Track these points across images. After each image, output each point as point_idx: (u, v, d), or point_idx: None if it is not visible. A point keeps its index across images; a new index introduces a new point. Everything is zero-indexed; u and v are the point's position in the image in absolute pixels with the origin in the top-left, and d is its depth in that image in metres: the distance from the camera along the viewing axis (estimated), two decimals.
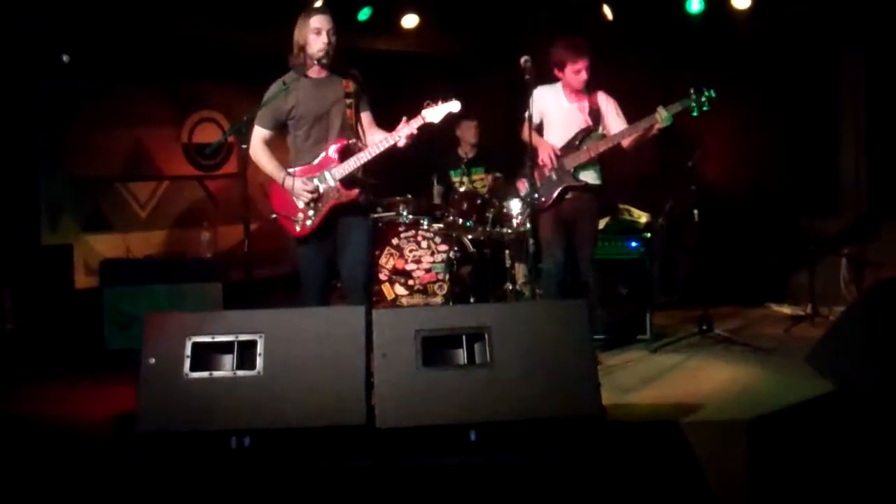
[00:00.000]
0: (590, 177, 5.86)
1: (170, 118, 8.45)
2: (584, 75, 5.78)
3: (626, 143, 5.77)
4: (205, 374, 4.13)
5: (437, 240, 7.33)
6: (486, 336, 4.16)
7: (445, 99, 4.93)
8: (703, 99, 5.56)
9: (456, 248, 7.24)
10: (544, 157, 5.79)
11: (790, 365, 5.61)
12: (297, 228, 5.04)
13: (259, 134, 5.08)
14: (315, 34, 4.89)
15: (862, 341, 4.90)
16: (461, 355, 4.19)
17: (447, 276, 7.23)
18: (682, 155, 6.63)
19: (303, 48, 4.93)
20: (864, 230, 7.59)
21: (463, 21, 8.74)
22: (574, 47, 5.78)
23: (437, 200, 7.85)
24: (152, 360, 4.16)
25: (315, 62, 4.92)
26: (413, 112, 4.95)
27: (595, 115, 5.86)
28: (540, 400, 4.04)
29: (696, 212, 6.45)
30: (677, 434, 4.23)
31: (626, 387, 5.29)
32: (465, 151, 7.93)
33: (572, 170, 5.80)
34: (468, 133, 7.88)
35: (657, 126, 5.63)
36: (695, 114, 5.62)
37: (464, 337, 4.19)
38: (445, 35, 9.03)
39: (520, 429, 4.01)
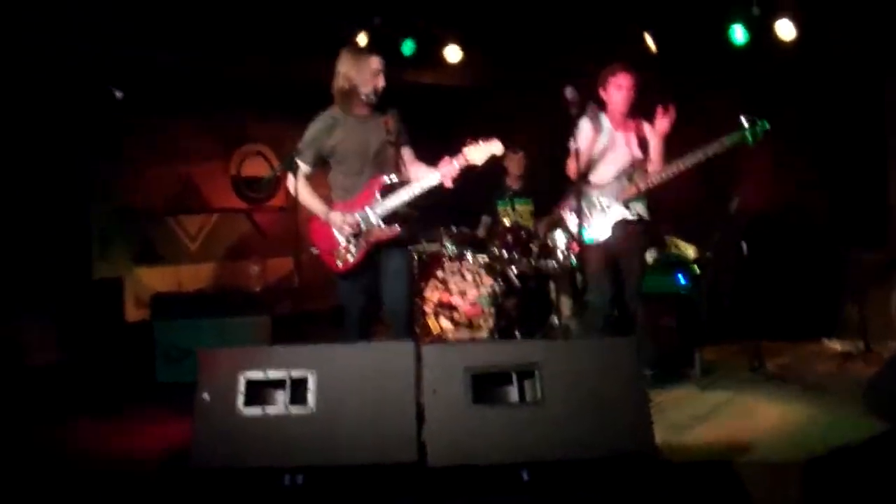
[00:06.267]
0: (639, 209, 5.83)
1: (218, 152, 8.60)
2: (626, 92, 5.77)
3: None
4: (258, 410, 4.14)
5: (482, 272, 7.33)
6: (537, 373, 4.14)
7: (487, 138, 4.92)
8: (757, 129, 5.54)
9: (501, 281, 7.24)
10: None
11: (843, 403, 5.51)
12: (339, 264, 5.09)
13: (301, 170, 5.16)
14: (373, 75, 4.96)
15: None
16: (512, 392, 4.16)
17: (492, 310, 7.23)
18: (726, 185, 6.60)
19: (354, 87, 4.98)
20: None
21: (505, 53, 8.77)
22: (618, 64, 5.83)
23: (483, 232, 7.85)
24: (206, 396, 4.18)
25: (364, 100, 4.97)
26: (455, 147, 4.96)
27: (643, 146, 5.83)
28: (592, 438, 4.01)
29: (744, 245, 6.41)
30: (732, 475, 4.18)
31: (677, 424, 5.21)
32: (512, 182, 7.93)
33: (623, 203, 5.78)
34: (514, 165, 7.87)
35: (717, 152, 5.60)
36: (749, 144, 5.59)
37: (514, 374, 4.18)
38: (489, 67, 9.07)
39: (572, 468, 3.98)
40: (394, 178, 5.02)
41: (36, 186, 7.28)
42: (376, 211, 4.98)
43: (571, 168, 5.73)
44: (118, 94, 7.45)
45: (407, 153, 5.15)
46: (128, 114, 7.82)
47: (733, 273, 7.23)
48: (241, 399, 4.16)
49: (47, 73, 7.21)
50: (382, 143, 5.03)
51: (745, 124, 5.55)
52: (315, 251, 5.17)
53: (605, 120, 5.88)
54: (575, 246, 6.36)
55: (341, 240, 5.03)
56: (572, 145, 5.54)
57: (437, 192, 5.08)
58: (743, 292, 7.13)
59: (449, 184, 4.91)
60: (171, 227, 8.28)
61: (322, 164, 5.19)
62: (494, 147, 4.91)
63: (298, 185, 5.15)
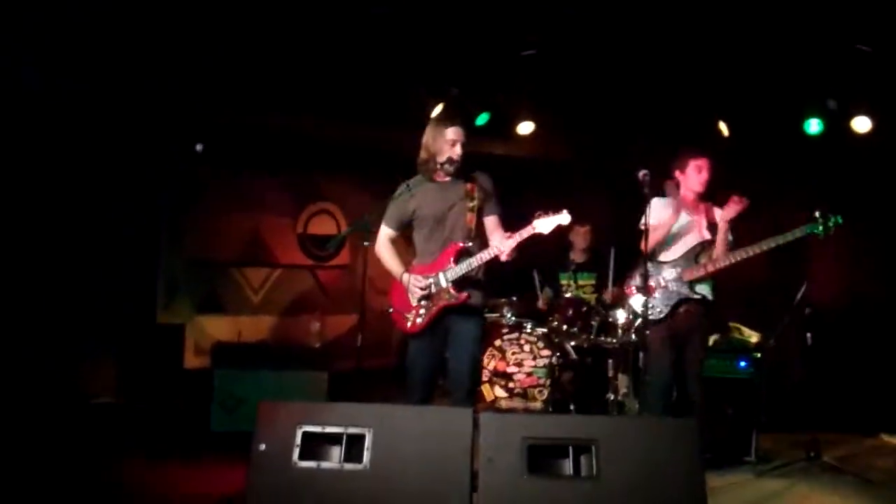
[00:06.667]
0: (705, 291, 5.80)
1: (287, 208, 8.77)
2: (706, 174, 5.82)
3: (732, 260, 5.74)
4: (313, 463, 4.15)
5: (541, 344, 7.33)
6: (594, 448, 4.11)
7: (556, 210, 4.91)
8: (830, 224, 5.52)
9: (558, 354, 7.23)
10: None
11: None
12: (409, 325, 5.13)
13: (384, 232, 5.28)
14: (450, 145, 5.04)
15: None
16: (567, 466, 4.12)
17: (548, 382, 7.21)
18: (793, 273, 6.56)
19: (433, 155, 5.07)
20: None
21: (577, 129, 8.89)
22: (697, 148, 5.91)
23: (543, 303, 7.86)
24: (263, 447, 4.21)
25: (441, 168, 5.06)
26: (525, 217, 4.97)
27: (712, 229, 5.84)
28: None
29: (808, 335, 6.35)
30: None
31: None
32: (576, 256, 7.96)
33: (689, 283, 5.77)
34: (579, 238, 7.90)
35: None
36: (820, 237, 5.56)
37: (571, 447, 4.15)
38: (559, 142, 9.18)
39: None
40: (469, 243, 5.06)
41: (108, 232, 7.50)
42: (448, 275, 5.02)
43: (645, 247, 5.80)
44: (199, 148, 7.68)
45: (490, 221, 5.14)
46: (202, 167, 8.05)
47: (796, 362, 7.14)
48: (296, 451, 4.18)
49: (132, 125, 7.47)
50: (460, 208, 5.08)
51: (819, 218, 5.54)
52: (390, 310, 5.23)
53: (677, 202, 5.92)
54: (635, 323, 6.34)
55: (413, 301, 5.09)
56: (643, 225, 5.57)
57: (500, 261, 5.10)
58: (804, 382, 7.02)
59: (504, 257, 4.92)
60: (236, 278, 8.42)
61: (406, 228, 5.28)
62: (562, 218, 4.90)
63: (380, 247, 5.27)
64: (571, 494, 4.03)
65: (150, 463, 5.92)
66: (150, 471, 5.73)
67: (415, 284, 5.06)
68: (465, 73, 7.83)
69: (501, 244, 4.91)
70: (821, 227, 5.52)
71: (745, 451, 6.39)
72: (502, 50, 7.48)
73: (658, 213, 5.72)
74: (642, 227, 5.54)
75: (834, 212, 5.54)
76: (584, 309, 7.30)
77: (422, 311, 5.08)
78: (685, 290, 5.75)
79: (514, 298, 7.72)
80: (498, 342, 7.38)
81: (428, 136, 5.12)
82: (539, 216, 4.92)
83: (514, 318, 7.52)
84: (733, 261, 5.69)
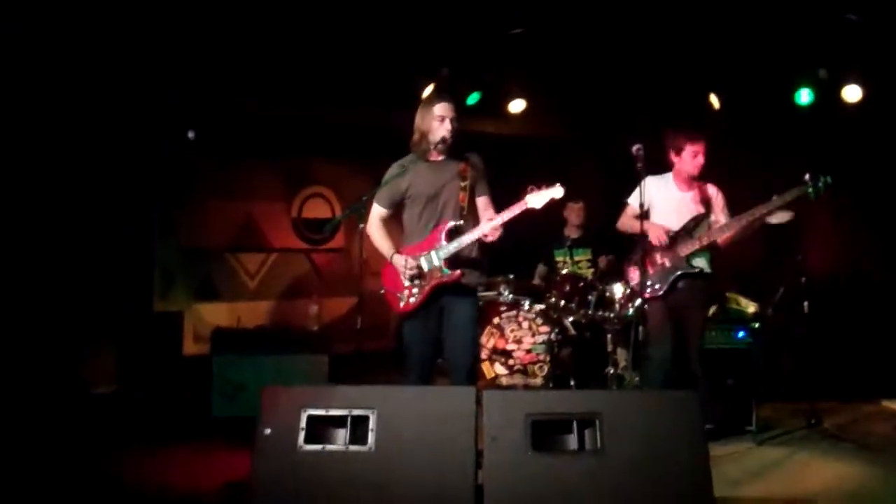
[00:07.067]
0: (702, 264, 5.82)
1: (281, 193, 8.76)
2: (701, 159, 5.82)
3: (723, 238, 5.75)
4: (318, 447, 4.16)
5: (539, 321, 7.36)
6: (598, 422, 4.13)
7: (549, 184, 4.91)
8: (820, 185, 5.52)
9: (557, 330, 7.25)
10: (657, 238, 5.78)
11: None
12: (402, 304, 5.12)
13: (376, 212, 5.26)
14: (438, 122, 5.03)
15: None
16: (572, 441, 4.14)
17: (548, 358, 7.23)
18: (789, 243, 6.58)
19: (424, 134, 5.07)
20: None
21: (568, 106, 8.87)
22: (693, 130, 5.89)
23: (539, 280, 7.87)
24: (268, 431, 4.22)
25: (433, 147, 5.05)
26: (517, 195, 4.96)
27: (706, 203, 5.86)
28: (651, 490, 3.99)
29: (805, 303, 6.37)
30: None
31: (733, 479, 5.19)
32: (570, 232, 7.97)
33: (685, 257, 5.78)
34: (574, 214, 7.93)
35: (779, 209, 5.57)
36: (812, 198, 5.56)
37: (574, 422, 4.16)
38: (551, 119, 9.17)
39: None
40: (461, 222, 5.04)
41: (103, 222, 7.48)
42: (440, 254, 5.02)
43: (624, 222, 5.82)
44: (191, 135, 7.66)
45: (481, 201, 5.16)
46: (195, 153, 8.03)
47: (794, 331, 7.16)
48: (301, 435, 4.19)
49: (124, 114, 7.45)
50: (453, 187, 5.08)
51: (809, 180, 5.55)
52: (382, 291, 5.22)
53: (670, 178, 5.93)
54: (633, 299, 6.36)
55: (405, 281, 5.08)
56: (631, 200, 5.57)
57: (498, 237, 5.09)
58: (803, 350, 7.05)
59: (489, 238, 4.92)
60: (231, 264, 8.41)
61: (398, 208, 5.26)
62: (555, 191, 4.90)
63: (372, 227, 5.26)
64: (576, 469, 4.05)
65: (152, 451, 5.91)
66: (153, 459, 5.73)
67: (405, 265, 5.05)
68: (455, 52, 7.79)
69: (484, 226, 4.91)
70: (811, 189, 5.52)
71: (745, 420, 6.39)
72: (492, 28, 7.45)
73: (651, 190, 5.71)
74: (629, 203, 5.56)
75: (824, 173, 5.53)
76: (581, 284, 7.31)
77: (415, 290, 5.07)
78: (682, 266, 5.77)
79: (511, 276, 7.73)
80: (496, 320, 7.41)
81: (418, 117, 5.13)
82: (531, 191, 4.91)
83: (511, 296, 7.53)
84: (727, 230, 5.70)
